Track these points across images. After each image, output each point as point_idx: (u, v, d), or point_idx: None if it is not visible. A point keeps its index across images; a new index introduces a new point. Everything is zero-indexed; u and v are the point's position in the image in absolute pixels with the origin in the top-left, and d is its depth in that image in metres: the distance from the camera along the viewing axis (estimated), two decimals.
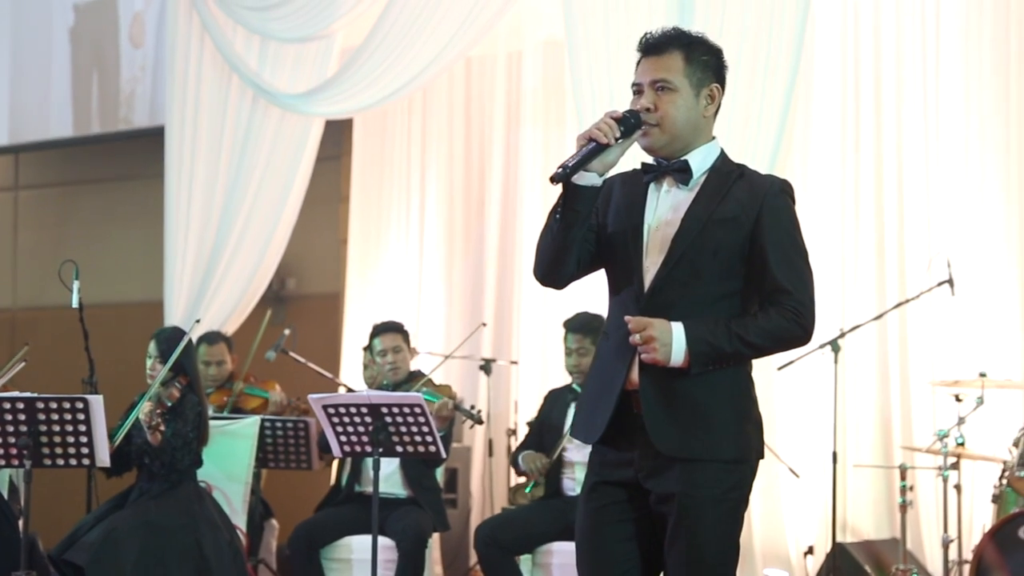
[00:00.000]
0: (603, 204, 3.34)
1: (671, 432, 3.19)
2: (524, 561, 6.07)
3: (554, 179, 3.16)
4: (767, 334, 3.21)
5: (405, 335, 6.45)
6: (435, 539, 6.33)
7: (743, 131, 6.47)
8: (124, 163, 9.91)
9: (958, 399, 6.05)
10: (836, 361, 6.32)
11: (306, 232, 8.55)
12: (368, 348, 6.58)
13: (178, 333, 5.95)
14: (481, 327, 7.34)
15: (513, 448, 7.63)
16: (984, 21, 7.08)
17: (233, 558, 5.62)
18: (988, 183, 7.01)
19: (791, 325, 3.22)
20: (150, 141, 9.01)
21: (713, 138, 3.39)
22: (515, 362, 8.01)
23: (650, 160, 3.37)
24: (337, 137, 8.73)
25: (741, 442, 3.26)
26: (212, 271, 8.15)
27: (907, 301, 6.53)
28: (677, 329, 3.16)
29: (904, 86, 7.26)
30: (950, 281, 6.28)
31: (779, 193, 3.30)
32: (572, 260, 3.31)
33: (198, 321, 6.29)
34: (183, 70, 8.37)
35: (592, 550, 3.33)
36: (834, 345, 6.31)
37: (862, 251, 7.28)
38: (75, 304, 5.68)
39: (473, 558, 6.86)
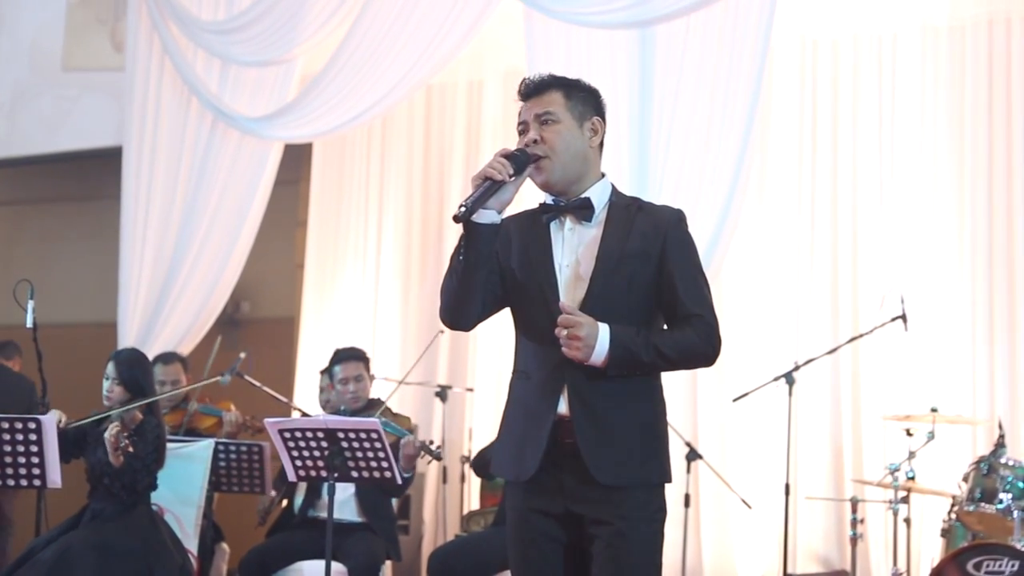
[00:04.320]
0: (504, 247, 3.44)
1: (606, 461, 3.29)
2: None
3: (456, 218, 3.24)
4: (682, 350, 3.35)
5: (366, 363, 6.43)
6: (387, 566, 6.30)
7: (702, 165, 6.53)
8: (78, 183, 9.84)
9: (909, 433, 6.10)
10: (790, 394, 6.36)
11: (262, 256, 8.52)
12: (327, 373, 6.55)
13: (138, 355, 5.91)
14: (439, 334, 7.11)
15: (466, 474, 7.64)
16: (940, 62, 7.20)
17: None
18: (941, 221, 7.12)
19: (704, 345, 3.36)
20: (106, 161, 8.96)
21: (603, 174, 3.48)
22: (470, 389, 8.01)
23: (548, 200, 3.46)
24: (296, 162, 8.72)
25: (664, 466, 3.40)
26: (167, 293, 8.10)
27: (861, 336, 6.59)
28: (603, 331, 3.26)
29: (860, 124, 7.37)
30: (903, 317, 6.32)
31: (678, 223, 3.44)
32: (477, 302, 3.39)
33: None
34: (143, 91, 8.34)
35: None
36: (788, 378, 6.35)
37: (817, 286, 7.36)
38: (29, 324, 5.62)
39: None
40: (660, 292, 3.39)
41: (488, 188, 3.26)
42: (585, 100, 3.44)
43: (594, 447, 3.29)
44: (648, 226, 3.39)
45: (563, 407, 3.33)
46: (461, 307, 3.40)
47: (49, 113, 9.54)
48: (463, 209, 3.23)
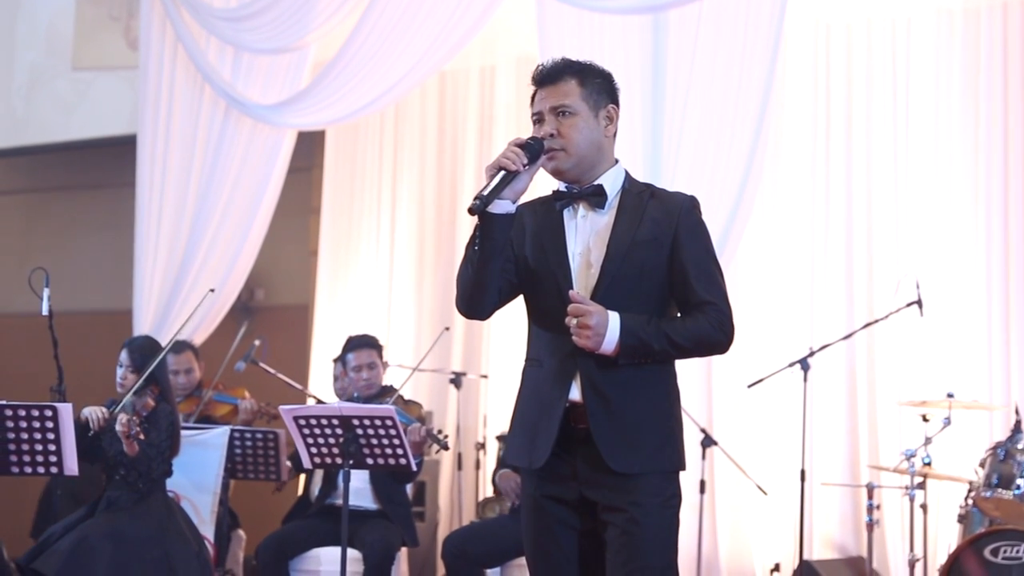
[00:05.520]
0: (518, 234, 3.43)
1: (619, 449, 3.30)
2: (492, 575, 6.07)
3: (472, 210, 3.24)
4: (694, 337, 3.35)
5: (379, 350, 6.44)
6: (403, 553, 6.31)
7: (715, 150, 6.51)
8: (93, 171, 9.85)
9: (925, 419, 6.08)
10: (805, 380, 6.34)
11: (276, 243, 8.53)
12: (340, 360, 6.55)
13: (151, 342, 5.93)
14: (445, 331, 7.07)
15: (480, 461, 7.65)
16: (954, 45, 7.16)
17: (201, 569, 5.58)
18: (956, 205, 7.09)
19: (716, 332, 3.36)
20: (120, 149, 8.97)
21: (616, 160, 3.48)
22: (485, 376, 8.01)
23: (561, 187, 3.45)
24: (309, 149, 8.72)
25: (678, 453, 3.41)
26: (182, 281, 8.11)
27: (876, 321, 6.57)
28: (613, 320, 3.26)
29: (874, 108, 7.34)
30: (919, 302, 6.31)
31: (691, 210, 3.43)
32: (494, 291, 3.40)
33: (212, 290, 6.36)
34: (156, 79, 8.34)
35: (543, 569, 3.43)
36: (803, 364, 6.33)
37: (832, 271, 7.34)
38: (45, 312, 5.63)
39: (440, 570, 6.86)
40: (673, 279, 3.38)
41: (503, 178, 3.26)
42: (600, 88, 3.43)
43: (607, 434, 3.30)
44: (660, 213, 3.39)
45: (575, 394, 3.33)
46: (477, 296, 3.40)
47: (65, 98, 9.56)
48: (478, 202, 3.23)
